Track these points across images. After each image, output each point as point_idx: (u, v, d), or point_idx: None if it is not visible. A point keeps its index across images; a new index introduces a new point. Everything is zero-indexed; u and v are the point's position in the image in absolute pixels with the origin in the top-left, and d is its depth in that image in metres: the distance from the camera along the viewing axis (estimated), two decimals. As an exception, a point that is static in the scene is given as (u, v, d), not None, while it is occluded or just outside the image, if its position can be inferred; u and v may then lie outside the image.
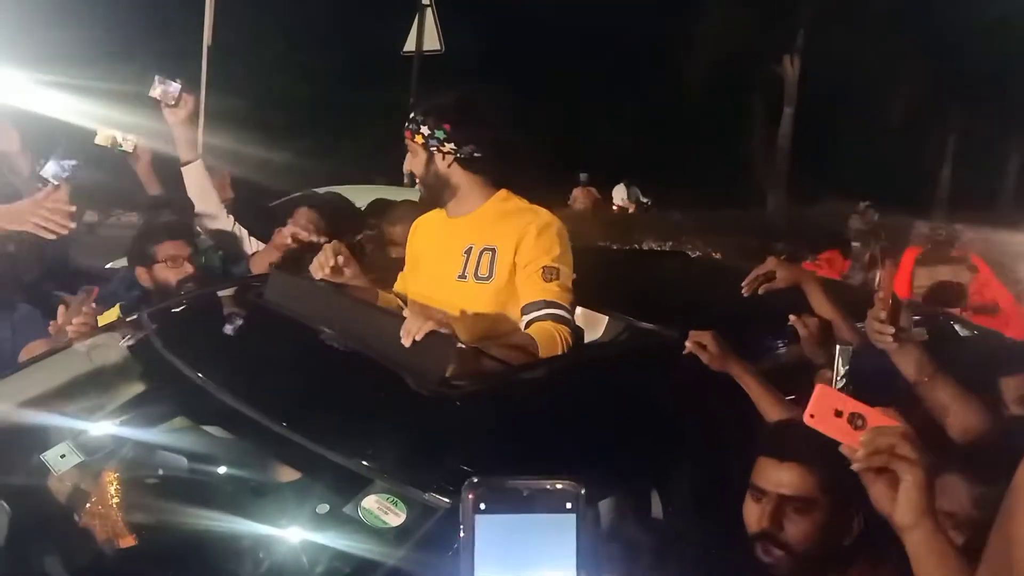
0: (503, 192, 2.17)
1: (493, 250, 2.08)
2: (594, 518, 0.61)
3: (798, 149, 16.82)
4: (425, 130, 2.08)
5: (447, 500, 1.36)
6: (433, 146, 2.08)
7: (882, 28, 15.01)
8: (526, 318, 2.00)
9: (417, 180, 2.18)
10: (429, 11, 9.09)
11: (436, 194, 2.15)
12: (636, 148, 15.84)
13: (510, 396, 1.68)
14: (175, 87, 2.83)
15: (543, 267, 2.02)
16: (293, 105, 14.34)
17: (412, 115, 2.11)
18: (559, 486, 0.56)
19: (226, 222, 3.05)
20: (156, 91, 2.81)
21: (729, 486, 1.63)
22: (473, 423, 1.59)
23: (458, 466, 1.44)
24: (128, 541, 1.66)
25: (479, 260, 2.08)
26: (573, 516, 0.56)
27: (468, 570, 0.55)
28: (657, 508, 1.68)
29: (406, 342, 1.67)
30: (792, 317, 2.06)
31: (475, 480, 0.57)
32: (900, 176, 15.31)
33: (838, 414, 1.09)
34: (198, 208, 2.99)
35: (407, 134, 2.12)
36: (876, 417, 1.09)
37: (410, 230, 2.34)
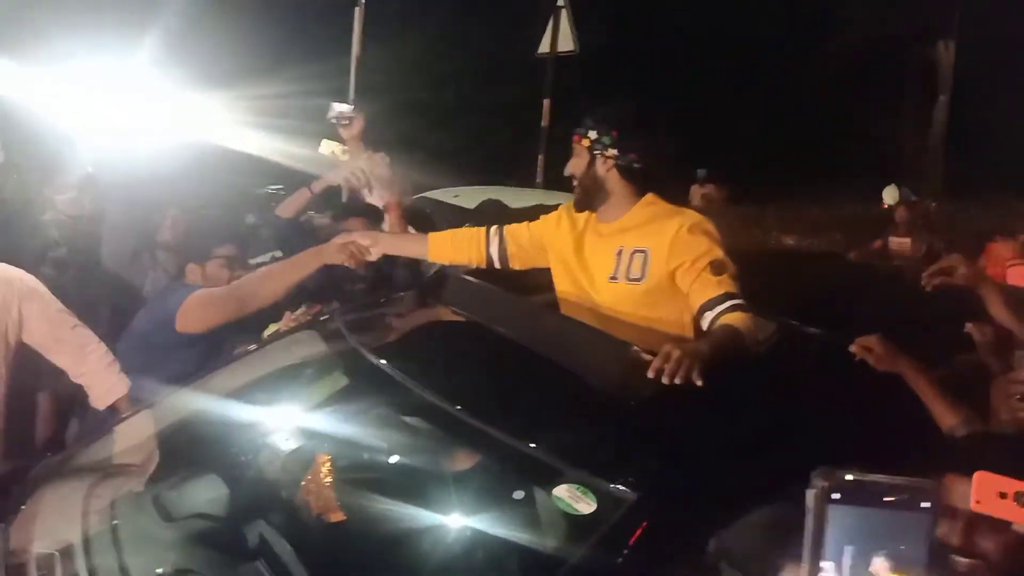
0: (650, 196, 2.23)
1: (645, 252, 2.13)
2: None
3: (953, 139, 15.70)
4: (593, 134, 2.17)
5: (633, 492, 1.46)
6: (597, 150, 2.17)
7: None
8: (710, 315, 2.01)
9: (575, 181, 2.26)
10: (564, 13, 9.22)
11: (590, 197, 2.23)
12: (768, 141, 15.28)
13: (684, 402, 1.75)
14: (349, 109, 3.24)
15: (710, 262, 2.04)
16: (430, 110, 14.87)
17: (584, 119, 2.20)
18: (916, 484, 0.58)
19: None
20: (333, 113, 3.22)
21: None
22: (654, 425, 1.68)
23: (642, 462, 1.54)
24: (338, 516, 1.87)
25: (631, 261, 2.14)
26: (928, 515, 0.58)
27: (815, 558, 0.58)
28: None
29: (665, 380, 1.67)
30: (969, 324, 2.03)
31: (827, 469, 0.59)
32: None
33: (1003, 496, 1.08)
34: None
35: (575, 137, 2.21)
36: None
37: (555, 216, 2.39)
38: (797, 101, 16.33)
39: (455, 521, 1.77)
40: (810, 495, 0.58)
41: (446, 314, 2.22)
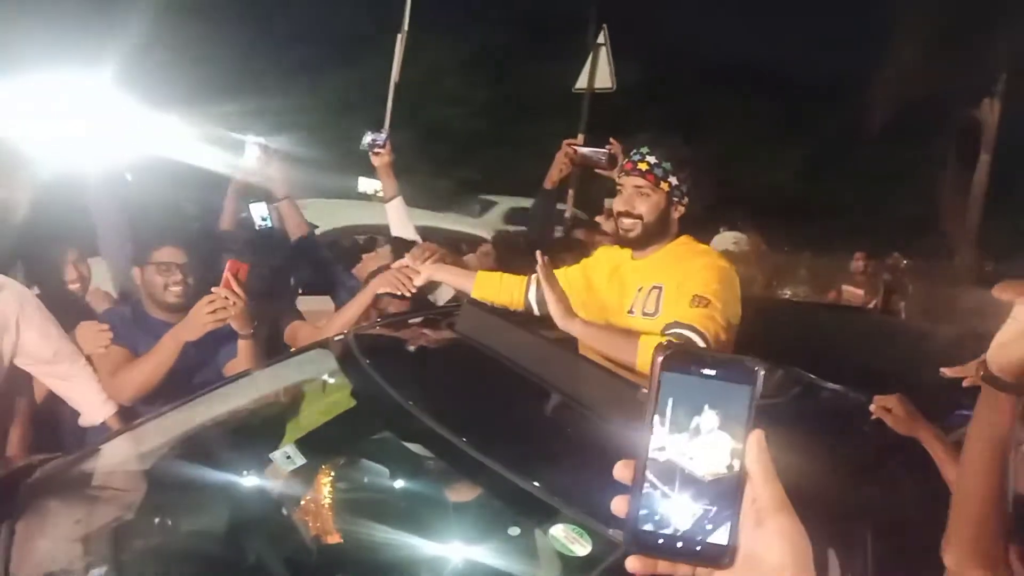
0: (685, 237, 2.24)
1: (660, 287, 2.13)
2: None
3: (993, 200, 15.48)
4: (674, 180, 2.16)
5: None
6: (676, 197, 2.17)
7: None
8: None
9: (630, 218, 2.20)
10: (603, 50, 9.30)
11: (651, 238, 2.20)
12: (804, 191, 15.21)
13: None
14: (382, 137, 3.25)
15: (694, 295, 1.98)
16: (463, 137, 15.06)
17: (656, 161, 2.16)
18: (740, 360, 0.65)
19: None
20: (366, 141, 3.24)
21: (913, 562, 1.59)
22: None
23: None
24: (335, 538, 1.87)
25: (647, 296, 2.15)
26: (749, 388, 0.64)
27: (649, 418, 0.65)
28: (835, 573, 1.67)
29: None
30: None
31: (665, 344, 0.66)
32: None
33: None
34: (398, 234, 3.35)
35: (649, 177, 2.15)
36: None
37: (595, 254, 2.47)
38: (839, 153, 16.24)
39: (450, 552, 1.75)
40: (651, 365, 0.65)
41: (460, 344, 2.21)
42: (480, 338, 2.19)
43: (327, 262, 3.56)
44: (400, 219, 3.39)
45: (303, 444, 2.00)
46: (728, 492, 0.64)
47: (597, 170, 3.17)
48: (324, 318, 2.84)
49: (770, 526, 0.65)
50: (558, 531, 1.51)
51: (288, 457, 1.92)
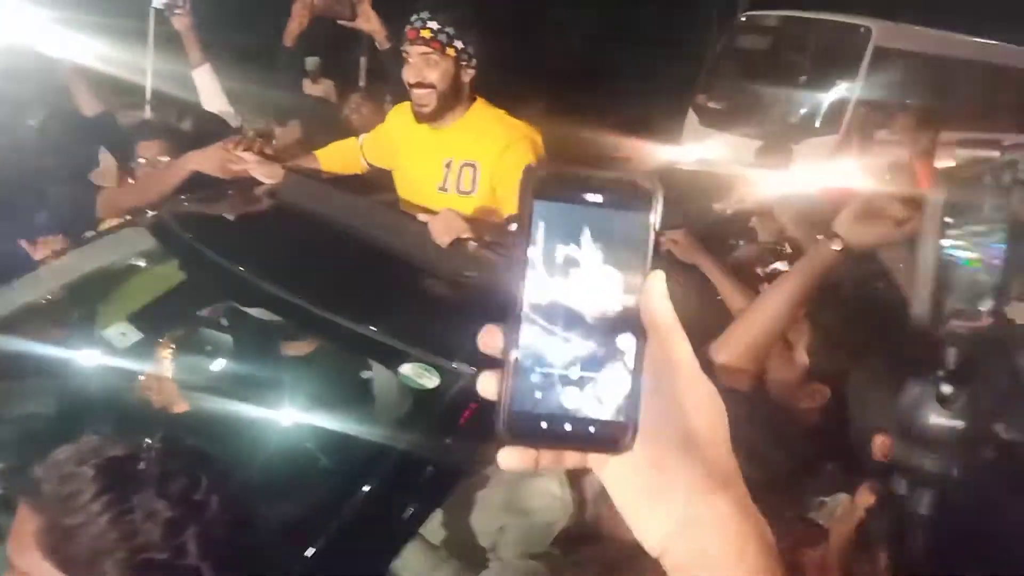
0: (480, 102, 2.24)
1: (474, 165, 2.18)
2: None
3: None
4: (459, 44, 2.12)
5: (473, 368, 1.63)
6: (464, 61, 2.14)
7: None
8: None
9: (422, 88, 2.16)
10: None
11: (446, 107, 2.18)
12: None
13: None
14: None
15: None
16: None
17: (440, 26, 2.10)
18: (632, 181, 0.50)
19: (235, 120, 3.22)
20: (161, 1, 2.96)
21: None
22: (486, 305, 1.84)
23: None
24: (182, 407, 1.90)
25: (460, 174, 2.19)
26: (644, 215, 0.49)
27: (520, 264, 0.48)
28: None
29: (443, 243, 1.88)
30: (754, 218, 2.35)
31: (535, 165, 0.50)
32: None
33: None
34: (209, 107, 3.14)
35: (435, 44, 2.10)
36: None
37: (389, 119, 2.44)
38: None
39: (302, 405, 1.85)
40: (519, 195, 0.49)
41: (284, 209, 2.23)
42: (305, 203, 2.21)
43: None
44: (210, 89, 3.14)
45: (136, 320, 1.97)
46: (625, 353, 0.49)
47: (340, 21, 3.04)
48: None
49: (677, 393, 0.51)
50: (407, 369, 1.66)
51: (123, 334, 1.88)
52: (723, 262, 2.26)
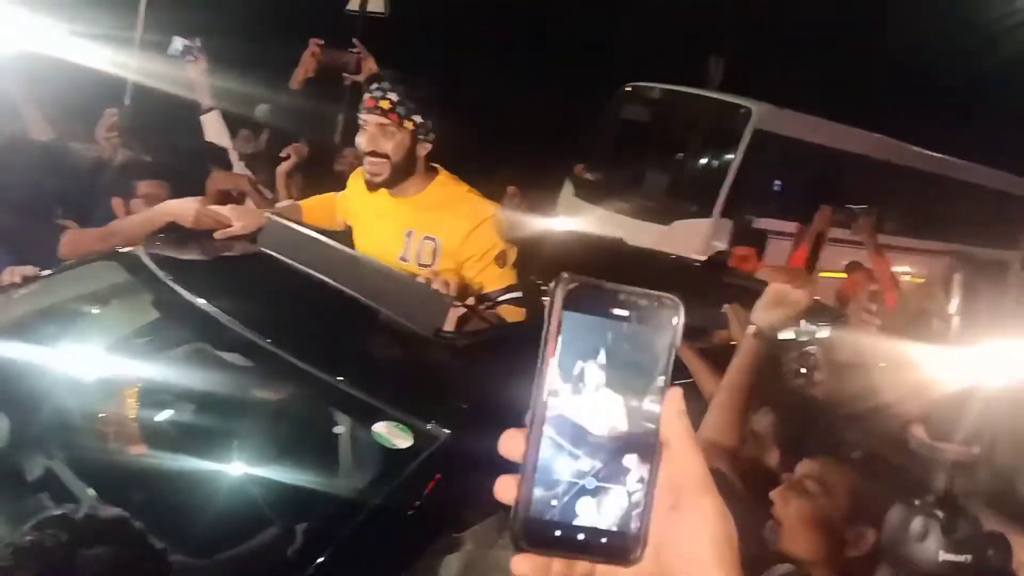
0: (443, 175, 2.26)
1: (435, 241, 2.19)
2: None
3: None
4: (418, 119, 2.12)
5: (447, 431, 1.61)
6: (421, 135, 2.14)
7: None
8: (489, 302, 2.17)
9: (376, 157, 2.15)
10: (377, -29, 8.99)
11: (400, 176, 2.18)
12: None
13: (496, 349, 1.92)
14: (196, 43, 3.14)
15: (496, 256, 2.17)
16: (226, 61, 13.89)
17: (399, 98, 2.09)
18: (658, 298, 0.51)
19: (238, 165, 3.32)
20: (177, 47, 3.05)
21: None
22: (464, 369, 1.83)
23: (454, 404, 1.68)
24: (140, 449, 1.84)
25: (421, 246, 2.21)
26: (667, 334, 0.50)
27: (543, 373, 0.49)
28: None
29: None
30: (726, 305, 2.39)
31: (567, 276, 0.51)
32: None
33: None
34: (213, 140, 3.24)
35: (392, 116, 2.09)
36: None
37: (350, 184, 2.43)
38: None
39: (264, 457, 1.81)
40: (548, 303, 0.51)
41: (263, 256, 2.21)
42: (284, 252, 2.20)
43: None
44: (216, 132, 3.25)
45: (100, 358, 1.91)
46: (640, 467, 0.50)
47: (345, 74, 3.26)
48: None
49: (689, 509, 0.51)
50: (381, 427, 1.63)
51: (85, 371, 1.83)
52: (693, 345, 2.29)
